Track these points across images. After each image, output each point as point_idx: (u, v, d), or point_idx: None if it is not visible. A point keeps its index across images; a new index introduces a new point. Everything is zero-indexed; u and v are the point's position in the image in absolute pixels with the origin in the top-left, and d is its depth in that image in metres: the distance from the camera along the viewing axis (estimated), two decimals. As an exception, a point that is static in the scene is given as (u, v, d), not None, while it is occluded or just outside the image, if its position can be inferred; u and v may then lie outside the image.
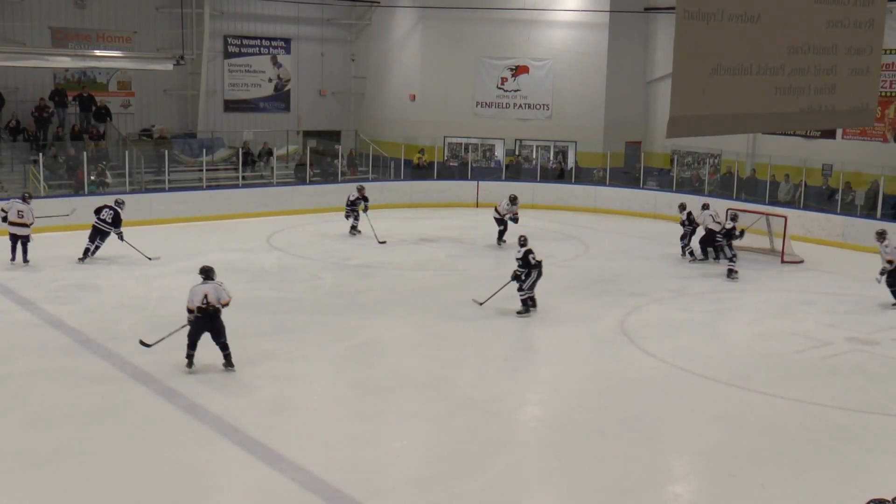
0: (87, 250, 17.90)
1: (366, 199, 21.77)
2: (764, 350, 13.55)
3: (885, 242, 16.26)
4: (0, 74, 24.09)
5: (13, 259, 17.36)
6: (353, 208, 21.71)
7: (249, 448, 9.57)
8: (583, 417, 10.77)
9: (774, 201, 23.45)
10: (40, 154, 22.38)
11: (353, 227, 21.68)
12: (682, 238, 20.08)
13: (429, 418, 10.74)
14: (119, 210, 18.07)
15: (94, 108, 24.91)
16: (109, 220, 17.90)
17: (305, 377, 12.13)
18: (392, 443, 10.11)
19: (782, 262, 19.69)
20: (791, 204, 23.19)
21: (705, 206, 20.06)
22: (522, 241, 15.28)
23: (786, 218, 19.94)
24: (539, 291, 16.90)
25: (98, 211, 18.04)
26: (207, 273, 11.94)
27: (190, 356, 11.76)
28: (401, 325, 14.57)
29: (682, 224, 20.08)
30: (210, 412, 10.45)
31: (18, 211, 17.34)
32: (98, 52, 24.39)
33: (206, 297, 11.64)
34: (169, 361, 12.10)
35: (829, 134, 23.93)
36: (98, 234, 17.99)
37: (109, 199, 18.36)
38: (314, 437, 10.00)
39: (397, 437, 10.32)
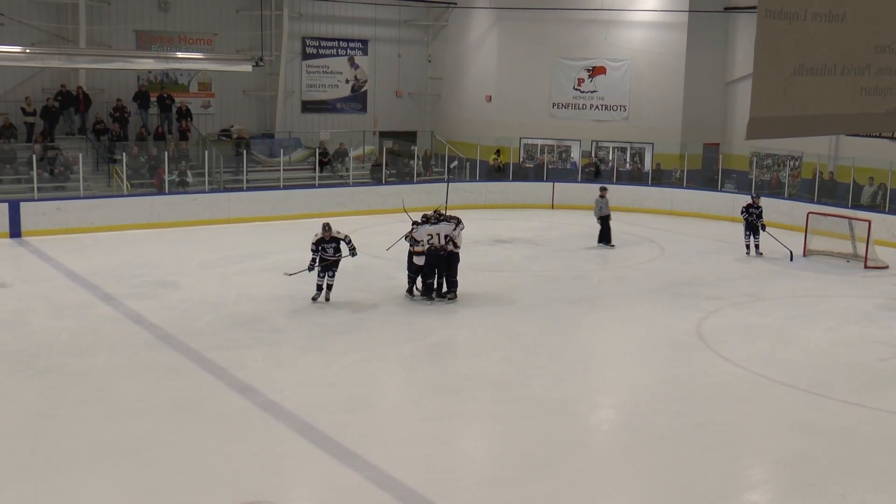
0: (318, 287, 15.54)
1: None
2: (844, 357, 13.22)
3: None
4: (87, 76, 24.77)
5: None
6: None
7: (323, 445, 9.67)
8: (657, 421, 10.64)
9: (857, 205, 22.89)
10: (123, 154, 22.93)
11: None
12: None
13: (502, 419, 10.73)
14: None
15: (174, 109, 25.44)
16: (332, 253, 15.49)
17: (379, 376, 12.22)
18: (464, 443, 10.11)
19: (865, 267, 19.17)
20: (875, 207, 22.62)
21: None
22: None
23: (869, 222, 19.43)
24: (615, 294, 16.80)
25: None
26: None
27: None
28: (475, 325, 14.58)
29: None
30: (285, 409, 10.58)
31: None
32: (180, 54, 24.93)
33: None
34: (247, 358, 12.34)
35: (917, 136, 23.27)
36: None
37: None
38: (387, 436, 10.05)
39: (470, 438, 10.32)
